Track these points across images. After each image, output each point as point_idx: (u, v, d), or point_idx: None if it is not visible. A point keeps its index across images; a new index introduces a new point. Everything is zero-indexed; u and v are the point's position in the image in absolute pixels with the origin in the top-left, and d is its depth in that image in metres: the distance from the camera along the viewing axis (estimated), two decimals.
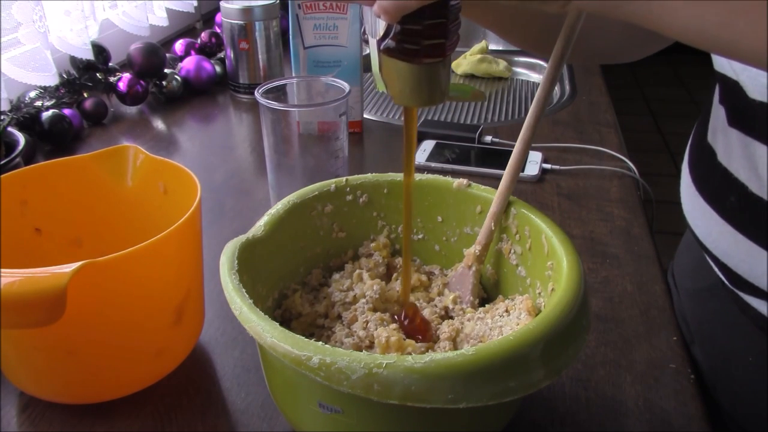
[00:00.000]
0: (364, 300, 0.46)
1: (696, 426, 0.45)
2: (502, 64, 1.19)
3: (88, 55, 0.94)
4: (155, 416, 0.46)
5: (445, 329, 0.44)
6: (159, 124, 0.95)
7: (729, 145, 0.50)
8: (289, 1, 0.79)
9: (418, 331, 0.44)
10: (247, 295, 0.37)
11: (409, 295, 0.47)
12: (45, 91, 0.87)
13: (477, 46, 1.21)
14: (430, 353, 0.34)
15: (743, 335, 0.53)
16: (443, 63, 0.37)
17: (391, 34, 0.35)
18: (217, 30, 1.16)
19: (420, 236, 0.52)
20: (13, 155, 0.63)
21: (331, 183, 0.49)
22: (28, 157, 0.77)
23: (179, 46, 1.11)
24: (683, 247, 0.66)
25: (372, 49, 0.37)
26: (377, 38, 0.36)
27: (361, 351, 0.42)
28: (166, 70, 1.00)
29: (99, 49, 0.97)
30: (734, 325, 0.54)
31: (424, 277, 0.50)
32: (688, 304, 0.62)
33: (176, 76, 1.01)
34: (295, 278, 0.49)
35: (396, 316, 0.45)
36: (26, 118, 0.81)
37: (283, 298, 0.47)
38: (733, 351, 0.55)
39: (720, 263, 0.52)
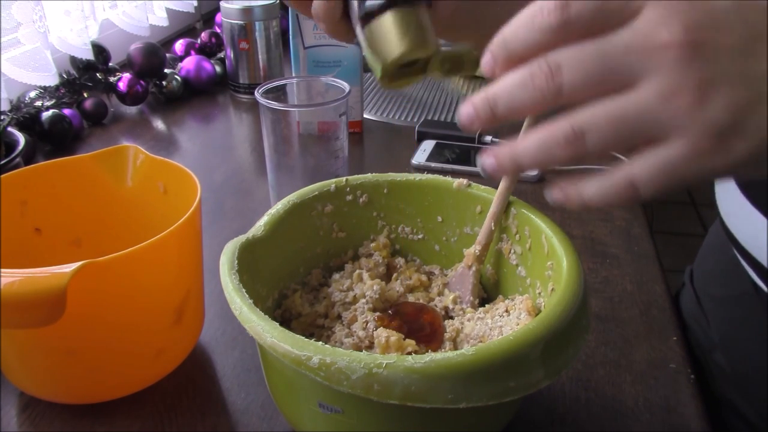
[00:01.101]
0: (364, 300, 0.46)
1: (696, 426, 0.45)
2: None
3: (88, 55, 0.94)
4: (155, 416, 0.46)
5: (445, 329, 0.44)
6: (159, 124, 0.95)
7: None
8: None
9: (425, 336, 0.43)
10: (247, 295, 0.37)
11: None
12: (45, 91, 0.87)
13: None
14: (430, 353, 0.34)
15: None
16: (414, 9, 0.37)
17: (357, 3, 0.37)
18: (217, 30, 1.16)
19: (420, 236, 0.52)
20: (13, 155, 0.63)
21: (331, 183, 0.49)
22: (28, 157, 0.77)
23: (179, 46, 1.11)
24: (706, 251, 0.65)
25: (360, 38, 0.38)
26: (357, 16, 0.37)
27: (361, 351, 0.42)
28: (166, 70, 1.00)
29: (99, 49, 0.97)
30: (766, 331, 0.54)
31: (424, 277, 0.50)
32: (713, 310, 0.61)
33: (176, 76, 1.01)
34: (295, 278, 0.49)
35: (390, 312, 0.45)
36: (26, 118, 0.81)
37: (283, 298, 0.47)
38: (764, 359, 0.54)
39: (760, 267, 0.51)
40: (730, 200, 0.54)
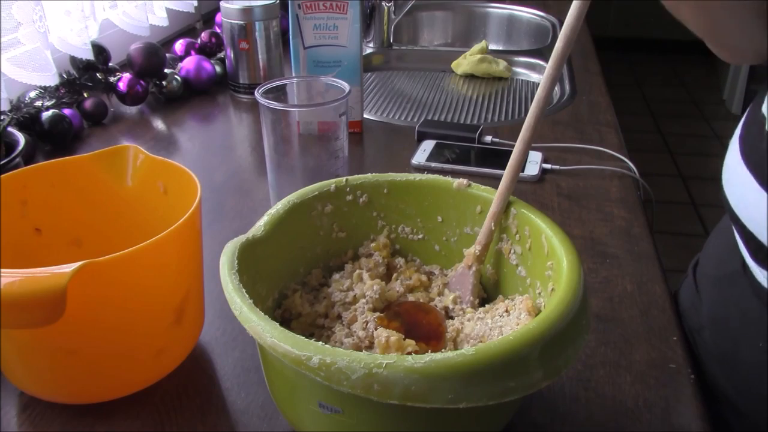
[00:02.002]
0: (364, 300, 0.46)
1: (696, 426, 0.46)
2: (502, 64, 1.19)
3: (88, 55, 0.94)
4: (155, 416, 0.46)
5: (446, 329, 0.44)
6: (159, 124, 0.95)
7: None
8: (289, 1, 0.79)
9: (425, 336, 0.44)
10: (247, 295, 0.37)
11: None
12: (45, 91, 0.87)
13: (477, 46, 1.21)
14: (430, 353, 0.34)
15: (756, 320, 0.55)
16: None
17: None
18: (217, 30, 1.16)
19: (420, 236, 0.52)
20: (13, 155, 0.63)
21: (331, 183, 0.49)
22: (28, 157, 0.77)
23: (179, 46, 1.11)
24: (713, 236, 0.67)
25: None
26: None
27: (361, 351, 0.42)
28: (166, 70, 1.00)
29: (99, 49, 0.97)
30: (748, 310, 0.56)
31: (424, 277, 0.50)
32: (706, 289, 0.63)
33: (176, 76, 1.01)
34: (295, 278, 0.49)
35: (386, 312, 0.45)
36: (26, 118, 0.81)
37: (283, 298, 0.47)
38: (744, 336, 0.56)
39: (748, 234, 0.53)
40: (730, 167, 0.56)
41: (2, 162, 0.62)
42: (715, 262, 0.63)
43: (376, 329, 0.43)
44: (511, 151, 0.46)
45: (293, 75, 0.86)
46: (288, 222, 0.47)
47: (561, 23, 0.44)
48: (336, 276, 0.50)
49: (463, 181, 0.49)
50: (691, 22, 0.53)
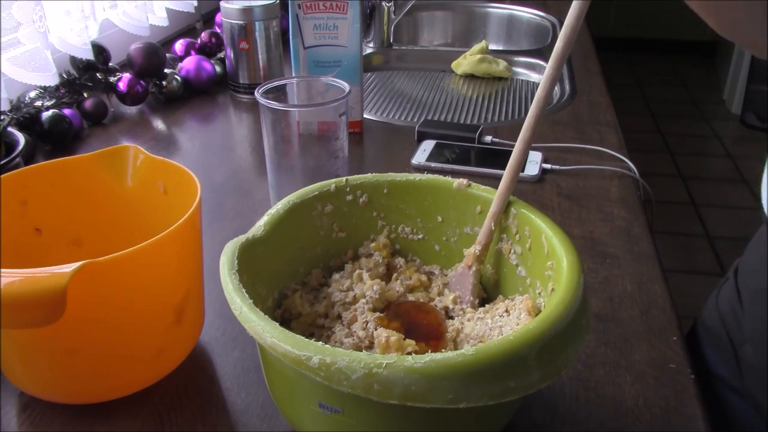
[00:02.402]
0: (364, 300, 0.46)
1: (696, 426, 0.46)
2: (502, 64, 1.19)
3: (88, 55, 0.94)
4: (155, 416, 0.46)
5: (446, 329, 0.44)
6: (159, 124, 0.95)
7: None
8: (289, 1, 0.79)
9: (426, 334, 0.44)
10: (247, 295, 0.37)
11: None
12: (45, 91, 0.87)
13: (477, 46, 1.21)
14: (430, 353, 0.34)
15: None
16: None
17: None
18: (217, 30, 1.16)
19: (420, 236, 0.52)
20: (13, 155, 0.63)
21: (331, 183, 0.49)
22: (28, 157, 0.77)
23: (179, 46, 1.11)
24: (753, 246, 0.66)
25: None
26: None
27: (361, 351, 0.42)
28: (166, 70, 1.00)
29: (99, 49, 0.97)
30: None
31: (424, 277, 0.50)
32: (749, 302, 0.62)
33: (176, 76, 1.01)
34: (295, 278, 0.49)
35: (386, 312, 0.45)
36: (26, 118, 0.81)
37: (283, 298, 0.47)
38: None
39: None
40: None
41: (2, 162, 0.62)
42: (758, 275, 0.62)
43: (376, 329, 0.43)
44: (511, 151, 0.46)
45: (293, 75, 0.86)
46: (288, 222, 0.47)
47: (561, 23, 0.44)
48: (336, 276, 0.50)
49: (463, 181, 0.49)
50: (710, 21, 0.52)
